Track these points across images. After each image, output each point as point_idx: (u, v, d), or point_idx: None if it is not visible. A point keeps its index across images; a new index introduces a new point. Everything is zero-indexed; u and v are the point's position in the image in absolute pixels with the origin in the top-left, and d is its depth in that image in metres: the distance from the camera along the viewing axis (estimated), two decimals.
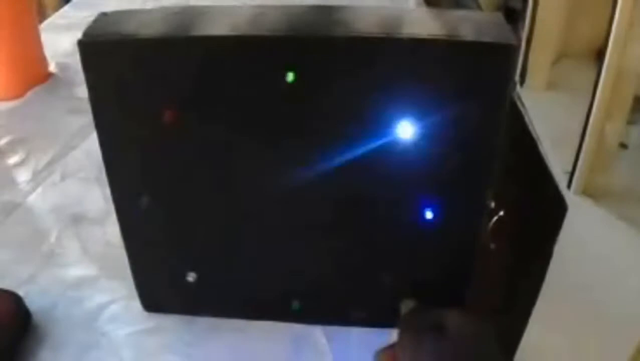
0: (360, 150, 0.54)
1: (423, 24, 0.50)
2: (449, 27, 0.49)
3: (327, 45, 0.50)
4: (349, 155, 0.54)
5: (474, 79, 0.49)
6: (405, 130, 0.52)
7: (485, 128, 0.52)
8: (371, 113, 0.52)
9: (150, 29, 0.52)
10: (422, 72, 0.49)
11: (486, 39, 0.48)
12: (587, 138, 1.07)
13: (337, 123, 0.52)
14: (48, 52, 1.13)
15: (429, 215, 0.57)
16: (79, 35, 0.52)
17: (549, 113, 1.27)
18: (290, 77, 0.50)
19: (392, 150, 0.53)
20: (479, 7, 1.83)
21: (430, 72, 0.49)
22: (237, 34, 0.50)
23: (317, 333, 0.65)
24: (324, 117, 0.52)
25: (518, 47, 0.50)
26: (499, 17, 0.52)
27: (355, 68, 0.50)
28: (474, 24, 0.50)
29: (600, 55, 1.30)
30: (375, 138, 0.53)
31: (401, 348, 0.53)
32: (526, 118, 1.19)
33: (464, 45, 0.48)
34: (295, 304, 0.64)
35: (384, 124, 0.52)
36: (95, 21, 0.53)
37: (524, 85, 1.35)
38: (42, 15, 1.48)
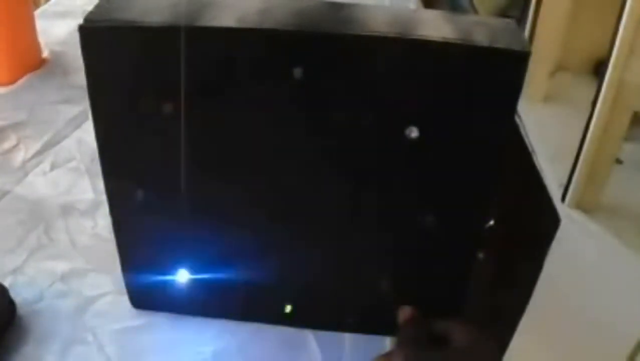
0: (364, 151, 0.53)
1: (436, 26, 0.49)
2: (462, 31, 0.48)
3: (338, 42, 0.48)
4: (352, 156, 0.53)
5: (486, 85, 0.48)
6: (412, 132, 0.51)
7: (492, 135, 0.51)
8: (378, 114, 0.50)
9: (154, 17, 0.50)
10: (433, 75, 0.48)
11: (500, 44, 0.47)
12: (583, 152, 1.06)
13: (342, 122, 0.51)
14: (42, 39, 1.11)
15: (429, 221, 0.56)
16: (74, 23, 0.50)
17: (546, 126, 1.26)
18: (297, 73, 0.48)
19: (396, 153, 0.52)
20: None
21: (442, 75, 0.48)
22: (244, 27, 0.49)
23: (309, 338, 0.63)
24: (329, 115, 0.51)
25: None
26: (512, 23, 0.51)
27: (365, 67, 0.49)
28: (488, 30, 0.49)
29: (597, 68, 1.30)
30: (380, 140, 0.52)
31: (397, 357, 0.51)
32: (522, 130, 1.18)
33: (477, 50, 0.47)
34: (288, 307, 0.63)
35: (390, 126, 0.51)
36: (97, 6, 0.52)
37: (521, 96, 1.33)
38: (37, 2, 1.46)
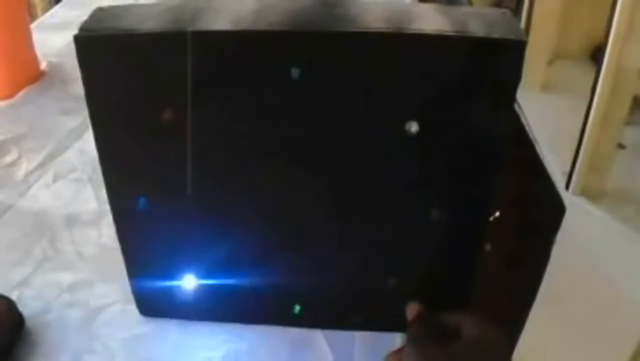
0: (365, 148, 0.52)
1: (431, 19, 0.48)
2: (458, 23, 0.48)
3: (334, 40, 0.48)
4: (354, 153, 0.53)
5: (484, 76, 0.48)
6: (412, 127, 0.50)
7: (493, 125, 0.51)
8: (377, 110, 0.50)
9: (149, 24, 0.50)
10: (431, 68, 0.48)
11: (496, 35, 0.47)
12: (585, 139, 1.06)
13: (342, 120, 0.51)
14: (39, 51, 1.11)
15: (434, 215, 0.55)
16: (70, 34, 0.50)
17: (545, 114, 1.27)
18: (295, 73, 0.48)
19: (397, 148, 0.52)
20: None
21: (439, 68, 0.48)
22: (239, 29, 0.49)
23: (319, 338, 0.63)
24: (329, 113, 0.51)
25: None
26: (508, 13, 0.51)
27: (362, 64, 0.48)
28: (483, 20, 0.48)
29: (595, 55, 1.30)
30: (381, 136, 0.51)
31: (408, 353, 0.51)
32: (522, 119, 1.18)
33: (474, 42, 0.47)
34: (297, 307, 0.62)
35: (390, 121, 0.51)
36: (92, 16, 0.52)
37: (520, 86, 1.34)
38: (33, 15, 1.46)
